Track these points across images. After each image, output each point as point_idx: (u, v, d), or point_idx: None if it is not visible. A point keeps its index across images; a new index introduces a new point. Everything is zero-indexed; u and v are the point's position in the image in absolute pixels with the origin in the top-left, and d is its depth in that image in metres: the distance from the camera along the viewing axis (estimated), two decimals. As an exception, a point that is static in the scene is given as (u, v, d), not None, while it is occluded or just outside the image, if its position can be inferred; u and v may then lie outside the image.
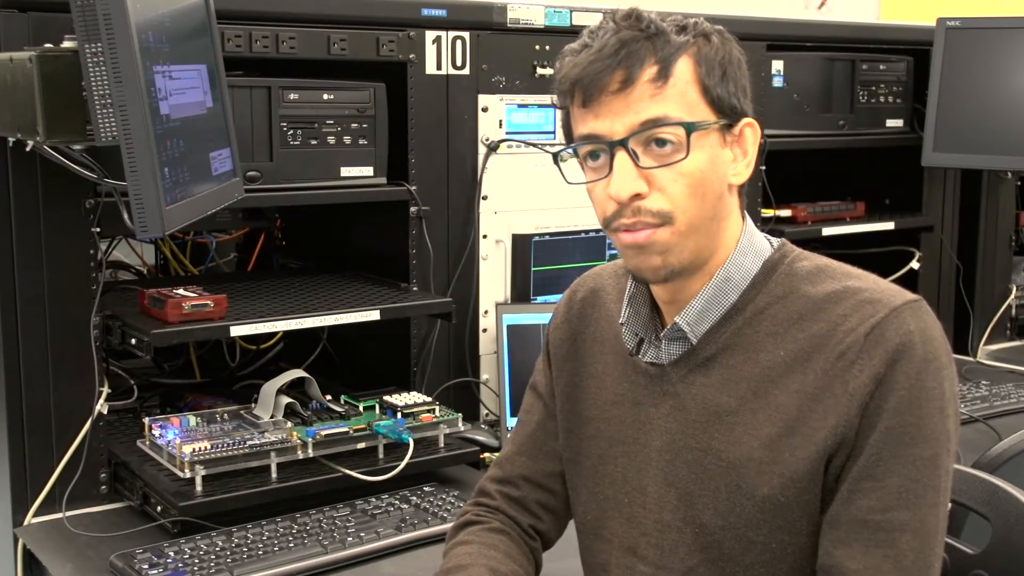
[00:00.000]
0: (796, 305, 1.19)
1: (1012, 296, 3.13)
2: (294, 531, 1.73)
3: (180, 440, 1.81)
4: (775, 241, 1.27)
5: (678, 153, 1.15)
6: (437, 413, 2.01)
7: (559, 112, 1.24)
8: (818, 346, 1.16)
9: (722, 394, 1.20)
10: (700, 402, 1.21)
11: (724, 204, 1.20)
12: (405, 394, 2.05)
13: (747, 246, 1.23)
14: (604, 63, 1.15)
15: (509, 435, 1.46)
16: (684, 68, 1.16)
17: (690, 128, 1.15)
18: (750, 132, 1.21)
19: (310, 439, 1.86)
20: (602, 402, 1.31)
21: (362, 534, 1.73)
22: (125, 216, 1.51)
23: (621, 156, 1.15)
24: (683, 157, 1.15)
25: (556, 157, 1.24)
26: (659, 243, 1.16)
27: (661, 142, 1.15)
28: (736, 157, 1.21)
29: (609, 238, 1.23)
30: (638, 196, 1.15)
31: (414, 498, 1.87)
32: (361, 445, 1.92)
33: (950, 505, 1.16)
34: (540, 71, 2.31)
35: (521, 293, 2.34)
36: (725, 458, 1.18)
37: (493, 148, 2.27)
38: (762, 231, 1.28)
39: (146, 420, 1.91)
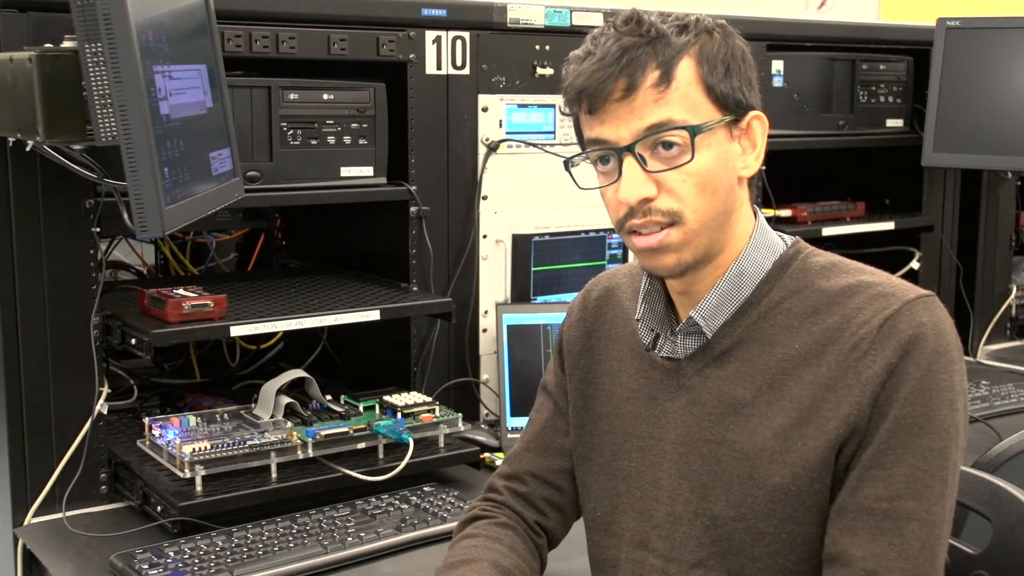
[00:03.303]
0: (810, 299, 1.21)
1: (1012, 296, 3.13)
2: (294, 531, 1.73)
3: (180, 440, 1.81)
4: (788, 238, 1.28)
5: (684, 155, 1.16)
6: (437, 413, 2.01)
7: (570, 117, 1.25)
8: (832, 338, 1.17)
9: (737, 387, 1.21)
10: (716, 395, 1.22)
11: (734, 197, 1.22)
12: (405, 394, 2.05)
13: (760, 241, 1.25)
14: (607, 71, 1.16)
15: (520, 432, 1.47)
16: (686, 69, 1.17)
17: (694, 131, 1.16)
18: (758, 124, 1.23)
19: (310, 439, 1.86)
20: (617, 398, 1.33)
21: (362, 534, 1.72)
22: (125, 216, 1.50)
23: (629, 161, 1.17)
24: (689, 159, 1.16)
25: (568, 163, 1.26)
26: (672, 243, 1.19)
27: (667, 145, 1.17)
28: (745, 150, 1.22)
29: (622, 240, 1.24)
30: (647, 199, 1.17)
31: (414, 498, 1.87)
32: (361, 445, 1.92)
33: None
34: (540, 71, 2.31)
35: (521, 293, 2.34)
36: (739, 449, 1.19)
37: (493, 148, 2.27)
38: None
39: (146, 420, 1.91)
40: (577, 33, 2.31)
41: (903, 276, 2.86)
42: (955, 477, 1.15)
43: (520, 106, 2.30)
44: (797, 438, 1.16)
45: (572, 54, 1.22)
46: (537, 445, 1.42)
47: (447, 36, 2.17)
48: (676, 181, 1.17)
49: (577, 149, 1.25)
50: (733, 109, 1.19)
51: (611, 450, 1.32)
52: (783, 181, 2.68)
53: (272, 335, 2.33)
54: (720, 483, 1.20)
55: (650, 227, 1.18)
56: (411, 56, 2.13)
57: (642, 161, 1.17)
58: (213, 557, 1.63)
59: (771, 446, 1.17)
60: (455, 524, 1.44)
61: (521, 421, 2.16)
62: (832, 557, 1.14)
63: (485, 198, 2.28)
